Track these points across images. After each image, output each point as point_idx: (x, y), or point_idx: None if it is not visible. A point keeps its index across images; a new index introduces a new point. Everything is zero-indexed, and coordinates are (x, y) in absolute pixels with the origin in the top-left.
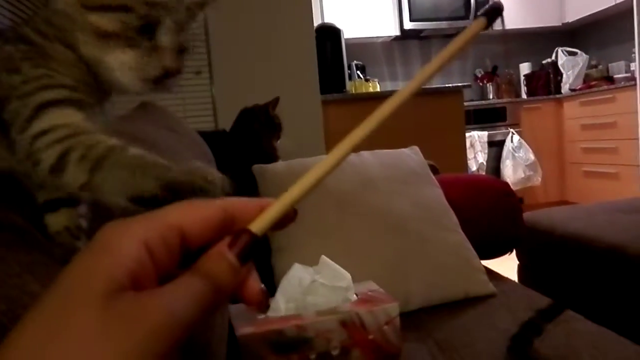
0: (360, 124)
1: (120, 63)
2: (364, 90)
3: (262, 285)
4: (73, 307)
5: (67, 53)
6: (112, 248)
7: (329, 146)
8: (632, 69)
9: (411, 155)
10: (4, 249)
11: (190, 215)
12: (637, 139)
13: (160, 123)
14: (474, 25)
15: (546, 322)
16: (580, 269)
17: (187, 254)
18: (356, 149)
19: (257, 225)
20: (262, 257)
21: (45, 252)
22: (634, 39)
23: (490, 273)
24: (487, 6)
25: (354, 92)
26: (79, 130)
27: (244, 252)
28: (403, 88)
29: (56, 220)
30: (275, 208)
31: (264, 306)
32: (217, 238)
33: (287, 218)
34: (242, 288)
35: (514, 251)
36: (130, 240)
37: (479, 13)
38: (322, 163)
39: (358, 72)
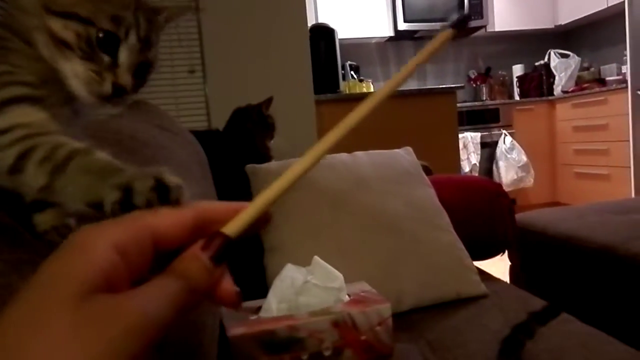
0: (332, 129)
1: (74, 74)
2: (357, 91)
3: (236, 287)
4: (48, 307)
5: (28, 49)
6: (86, 249)
7: None
8: (623, 71)
9: (404, 156)
10: None
11: (166, 217)
12: (629, 140)
13: (152, 121)
14: (440, 36)
15: (540, 325)
16: (572, 270)
17: (161, 256)
18: (329, 152)
19: (231, 228)
20: (255, 257)
21: (32, 251)
22: (625, 41)
23: (483, 274)
24: (455, 17)
25: (347, 92)
26: (41, 130)
27: (218, 254)
28: (373, 94)
29: (43, 220)
30: (249, 211)
31: (237, 307)
32: (193, 241)
33: (262, 220)
34: (216, 289)
35: (506, 252)
36: (104, 242)
37: (447, 24)
38: (295, 166)
39: (352, 72)
